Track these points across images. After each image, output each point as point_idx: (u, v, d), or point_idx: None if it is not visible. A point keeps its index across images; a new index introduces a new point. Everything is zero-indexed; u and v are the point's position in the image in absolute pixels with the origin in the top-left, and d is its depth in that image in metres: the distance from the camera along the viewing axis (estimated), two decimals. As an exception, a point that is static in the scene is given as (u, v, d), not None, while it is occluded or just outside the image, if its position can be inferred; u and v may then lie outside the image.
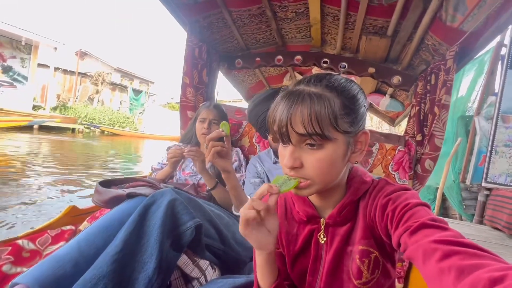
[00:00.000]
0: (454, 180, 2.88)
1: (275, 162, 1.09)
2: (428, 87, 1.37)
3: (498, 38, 2.49)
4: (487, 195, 2.60)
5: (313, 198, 0.53)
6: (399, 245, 0.39)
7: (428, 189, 3.52)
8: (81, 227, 1.03)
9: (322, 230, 0.51)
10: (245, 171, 1.33)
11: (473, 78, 2.67)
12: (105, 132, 11.67)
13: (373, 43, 1.51)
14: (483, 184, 2.44)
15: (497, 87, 2.41)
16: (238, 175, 1.31)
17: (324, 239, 0.51)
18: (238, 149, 1.44)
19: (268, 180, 1.07)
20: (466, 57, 1.14)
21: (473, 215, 2.87)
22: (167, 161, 1.27)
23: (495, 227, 2.53)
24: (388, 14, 1.28)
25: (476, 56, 2.73)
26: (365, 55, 1.64)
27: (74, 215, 1.09)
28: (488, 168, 2.35)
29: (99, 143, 8.80)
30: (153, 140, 12.28)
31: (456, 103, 2.92)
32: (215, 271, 0.82)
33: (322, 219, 0.51)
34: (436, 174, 2.65)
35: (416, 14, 1.19)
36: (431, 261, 0.31)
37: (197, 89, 1.68)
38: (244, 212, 0.44)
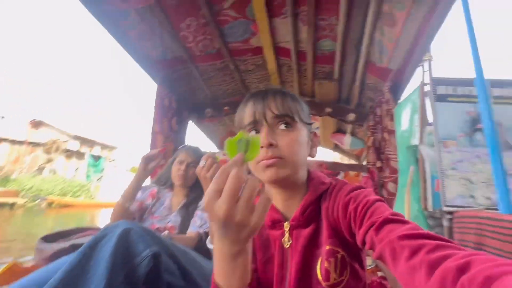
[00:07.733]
0: (418, 210, 3.03)
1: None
2: (376, 119, 1.59)
3: (421, 77, 3.02)
4: (450, 219, 2.76)
5: (278, 202, 0.54)
6: (363, 242, 0.40)
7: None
8: None
9: (287, 234, 0.50)
10: None
11: (410, 114, 3.13)
12: (53, 204, 10.32)
13: (325, 87, 1.76)
14: (444, 209, 2.59)
15: (430, 118, 2.84)
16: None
17: (289, 243, 0.50)
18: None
19: None
20: (399, 88, 1.39)
21: (444, 241, 2.95)
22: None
23: (467, 250, 2.61)
24: (331, 61, 1.55)
25: (407, 96, 3.24)
26: (321, 98, 1.88)
27: (15, 274, 0.88)
28: (444, 192, 2.55)
29: (41, 218, 7.60)
30: (112, 209, 11.03)
31: (402, 135, 3.31)
32: None
33: (286, 223, 0.51)
34: (401, 206, 2.77)
35: (352, 59, 1.47)
36: (400, 260, 0.32)
37: (166, 137, 1.69)
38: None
